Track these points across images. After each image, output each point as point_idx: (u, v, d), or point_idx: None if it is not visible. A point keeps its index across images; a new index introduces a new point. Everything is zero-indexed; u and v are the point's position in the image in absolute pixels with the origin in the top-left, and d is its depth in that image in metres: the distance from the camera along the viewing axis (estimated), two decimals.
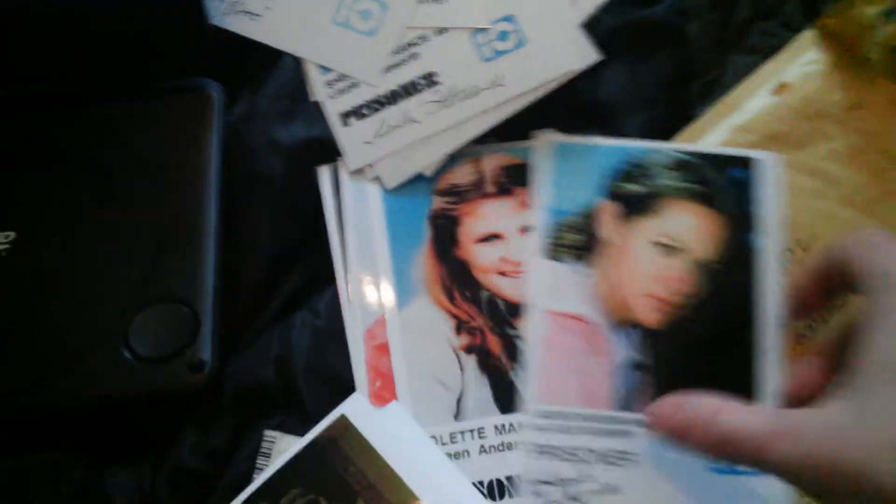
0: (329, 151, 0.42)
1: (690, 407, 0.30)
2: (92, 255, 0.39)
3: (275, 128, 0.43)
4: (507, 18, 0.42)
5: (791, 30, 0.45)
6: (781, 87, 0.42)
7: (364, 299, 0.39)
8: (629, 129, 0.43)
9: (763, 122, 0.41)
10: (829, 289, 0.34)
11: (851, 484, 0.26)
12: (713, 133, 0.42)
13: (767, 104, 0.42)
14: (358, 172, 0.42)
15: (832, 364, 0.33)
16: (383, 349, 0.37)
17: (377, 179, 0.42)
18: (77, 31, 0.41)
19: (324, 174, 0.42)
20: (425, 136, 0.42)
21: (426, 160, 0.41)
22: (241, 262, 0.40)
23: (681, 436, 0.30)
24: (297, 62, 0.44)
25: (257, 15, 0.44)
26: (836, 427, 0.26)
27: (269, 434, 0.36)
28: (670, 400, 0.31)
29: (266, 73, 0.44)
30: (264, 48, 0.44)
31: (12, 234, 0.39)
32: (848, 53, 0.42)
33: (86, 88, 0.43)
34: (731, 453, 0.28)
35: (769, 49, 0.45)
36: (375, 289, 0.39)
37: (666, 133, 0.43)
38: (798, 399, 0.34)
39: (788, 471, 0.27)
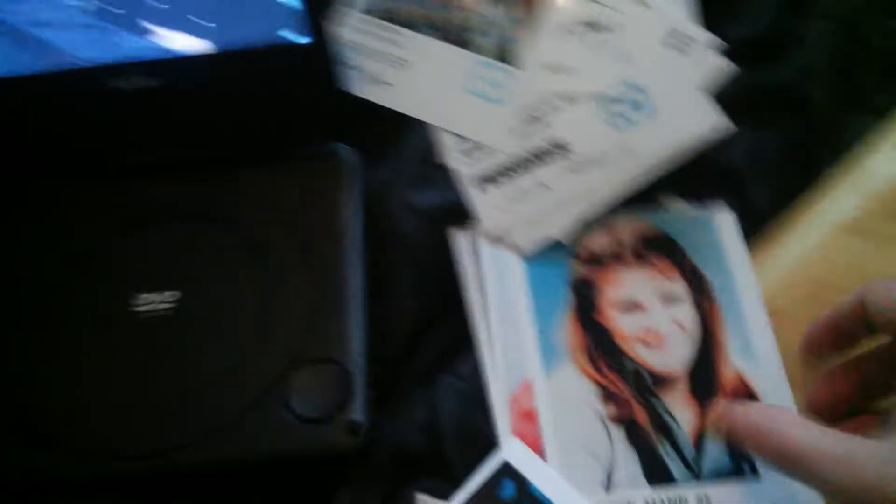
0: (463, 215, 0.44)
1: (766, 416, 0.31)
2: (250, 313, 0.41)
3: (411, 192, 0.45)
4: (636, 87, 0.44)
5: None
6: None
7: (508, 364, 0.40)
8: (756, 195, 0.44)
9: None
10: (845, 335, 0.35)
11: None
12: (843, 197, 0.42)
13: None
14: (493, 238, 0.43)
15: (862, 379, 0.34)
16: (529, 416, 0.39)
17: (513, 245, 0.43)
18: (225, 104, 0.44)
19: (458, 237, 0.44)
20: (558, 202, 0.43)
21: (560, 225, 0.43)
22: (386, 324, 0.42)
23: (752, 441, 0.31)
24: (429, 128, 0.45)
25: (390, 84, 0.46)
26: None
27: (422, 499, 0.38)
28: (748, 405, 0.33)
29: (400, 139, 0.46)
30: (397, 115, 0.46)
31: (178, 294, 0.41)
32: None
33: (234, 154, 0.45)
34: (797, 468, 0.29)
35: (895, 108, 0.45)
36: (519, 354, 0.40)
37: (793, 198, 0.44)
38: (826, 411, 0.35)
39: (848, 499, 0.28)
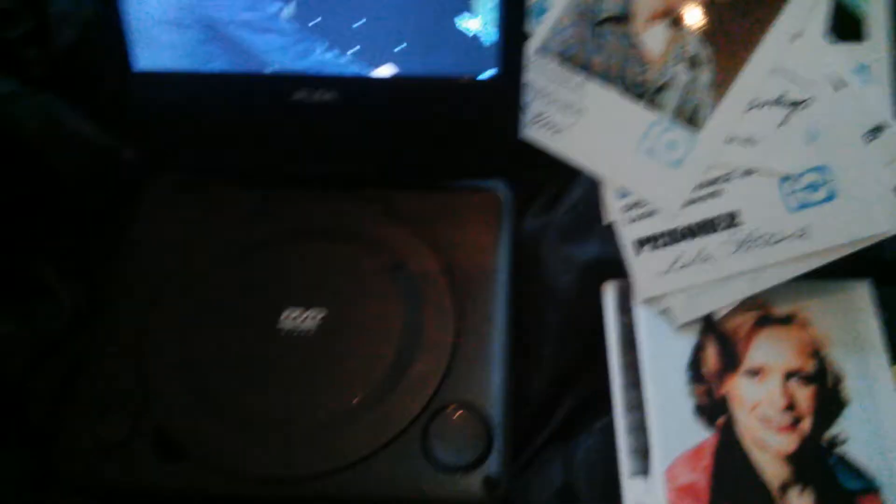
0: (619, 273, 0.43)
1: None
2: (392, 345, 0.40)
3: (568, 243, 0.44)
4: (819, 169, 0.42)
5: None
6: None
7: (665, 433, 0.39)
8: None
9: None
10: None
11: None
12: None
13: None
14: (647, 301, 0.42)
15: None
16: (689, 490, 0.37)
17: (666, 311, 0.42)
18: (406, 126, 0.44)
19: (609, 291, 0.42)
20: (721, 277, 0.41)
21: (720, 302, 0.41)
22: (526, 374, 0.41)
23: None
24: (593, 182, 0.44)
25: (560, 130, 0.46)
26: None
27: None
28: None
29: (562, 187, 0.45)
30: (563, 164, 0.45)
31: (323, 311, 0.41)
32: None
33: (393, 176, 0.45)
34: None
35: None
36: (677, 423, 0.39)
37: None
38: None
39: None
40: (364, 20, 0.40)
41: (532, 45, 0.47)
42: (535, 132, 0.46)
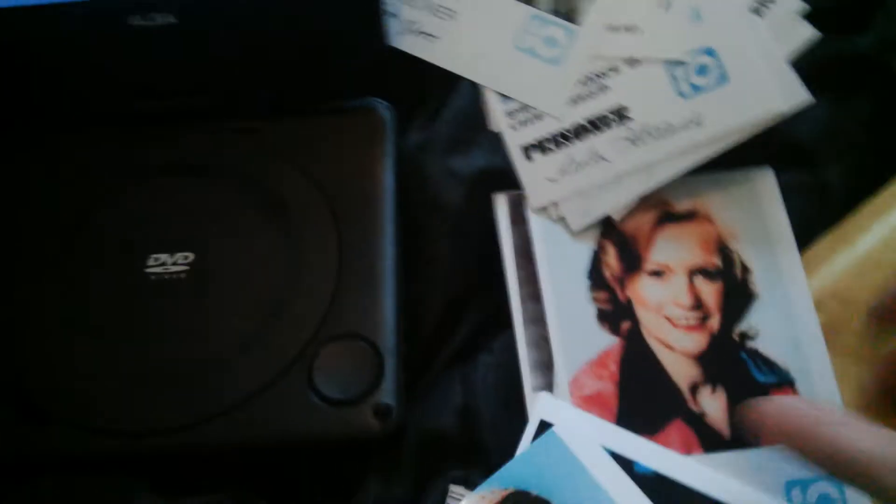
0: (509, 182, 0.40)
1: (810, 415, 0.28)
2: (271, 281, 0.37)
3: (452, 156, 0.41)
4: (708, 51, 0.39)
5: None
6: None
7: (567, 343, 0.37)
8: (831, 173, 0.40)
9: None
10: None
11: None
12: None
13: None
14: (540, 210, 0.40)
15: None
16: (596, 400, 0.36)
17: (561, 219, 0.39)
18: (252, 43, 0.40)
19: (500, 203, 0.40)
20: (615, 174, 0.39)
21: (615, 202, 0.39)
22: (418, 299, 0.39)
23: (789, 440, 0.28)
24: (474, 88, 0.42)
25: (434, 37, 0.42)
26: None
27: (455, 491, 0.35)
28: (779, 400, 0.30)
29: (442, 97, 0.42)
30: (440, 71, 0.42)
31: (191, 255, 0.38)
32: None
33: (255, 104, 0.41)
34: (849, 473, 0.27)
35: None
36: (582, 332, 0.37)
37: (873, 178, 0.40)
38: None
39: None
40: None
41: None
42: (408, 41, 0.42)
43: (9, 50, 0.39)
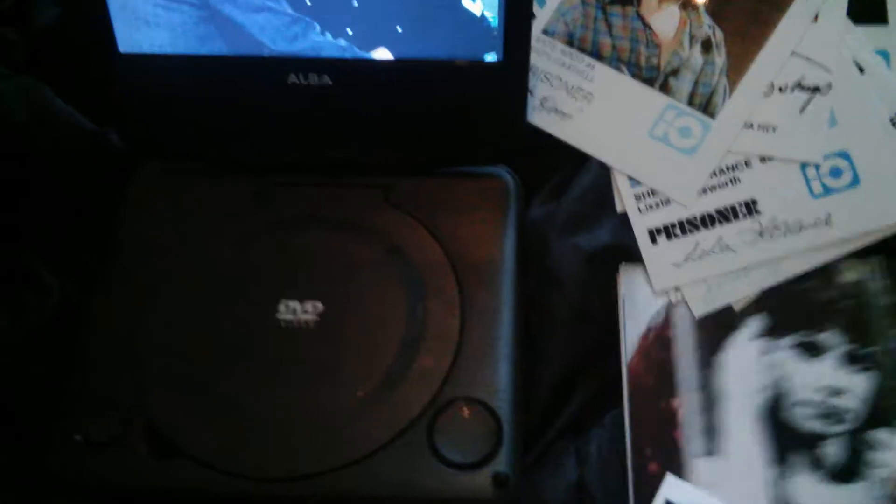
0: (630, 261, 0.41)
1: None
2: (395, 338, 0.38)
3: (576, 232, 0.42)
4: (842, 154, 0.40)
5: None
6: None
7: None
8: None
9: None
10: None
11: None
12: None
13: None
14: (663, 293, 0.40)
15: None
16: None
17: (683, 304, 0.40)
18: (404, 111, 0.41)
19: (628, 276, 0.40)
20: (740, 266, 0.40)
21: (739, 293, 0.39)
22: (534, 369, 0.39)
23: None
24: (603, 168, 0.43)
25: (568, 115, 0.44)
26: None
27: None
28: None
29: (569, 174, 0.43)
30: (571, 150, 0.43)
31: (320, 305, 0.39)
32: None
33: (396, 164, 0.43)
34: None
35: None
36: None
37: None
38: None
39: None
40: (358, 3, 0.38)
41: (537, 27, 0.45)
42: (541, 117, 0.44)
43: (167, 91, 0.41)
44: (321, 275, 0.40)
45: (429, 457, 0.35)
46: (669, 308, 0.39)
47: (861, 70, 0.41)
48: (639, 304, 0.40)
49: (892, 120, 0.40)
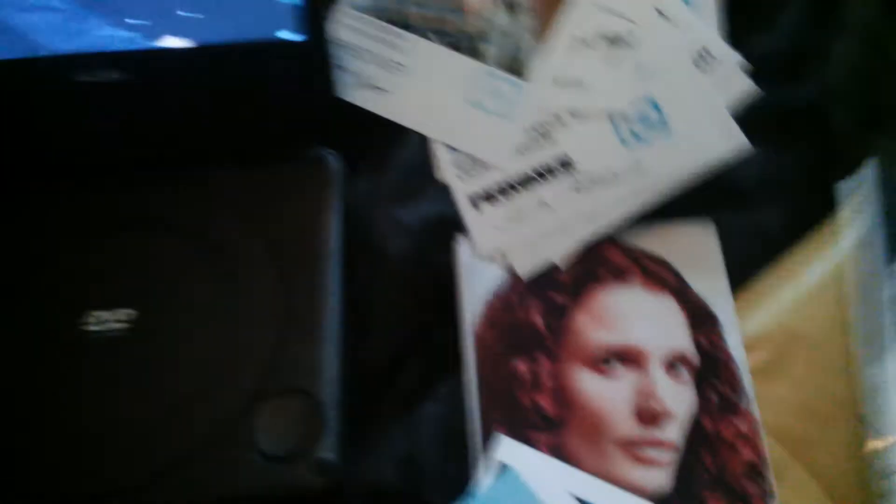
0: (455, 231, 0.40)
1: None
2: (213, 337, 0.36)
3: (399, 205, 0.41)
4: (649, 101, 0.40)
5: None
6: None
7: None
8: (770, 217, 0.40)
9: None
10: None
11: None
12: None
13: None
14: (488, 259, 0.40)
15: None
16: None
17: (509, 267, 0.39)
18: (207, 99, 0.40)
19: (461, 248, 0.40)
20: (560, 223, 0.39)
21: (561, 249, 0.39)
22: (364, 350, 0.38)
23: None
24: (422, 139, 0.42)
25: (385, 90, 0.43)
26: None
27: None
28: None
29: (390, 148, 0.43)
30: (389, 123, 0.42)
31: (133, 313, 0.37)
32: None
33: (201, 154, 0.41)
34: None
35: None
36: None
37: (810, 220, 0.40)
38: None
39: None
40: None
41: (345, 2, 0.44)
42: (358, 94, 0.43)
43: None
44: (131, 280, 0.38)
45: (249, 453, 0.34)
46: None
47: (664, 16, 0.41)
48: (478, 271, 0.39)
49: (695, 62, 0.40)
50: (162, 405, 0.35)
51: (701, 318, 0.38)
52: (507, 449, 0.35)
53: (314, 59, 0.39)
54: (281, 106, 0.40)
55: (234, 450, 0.34)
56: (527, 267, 0.39)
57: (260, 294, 0.37)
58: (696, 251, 0.39)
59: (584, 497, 0.34)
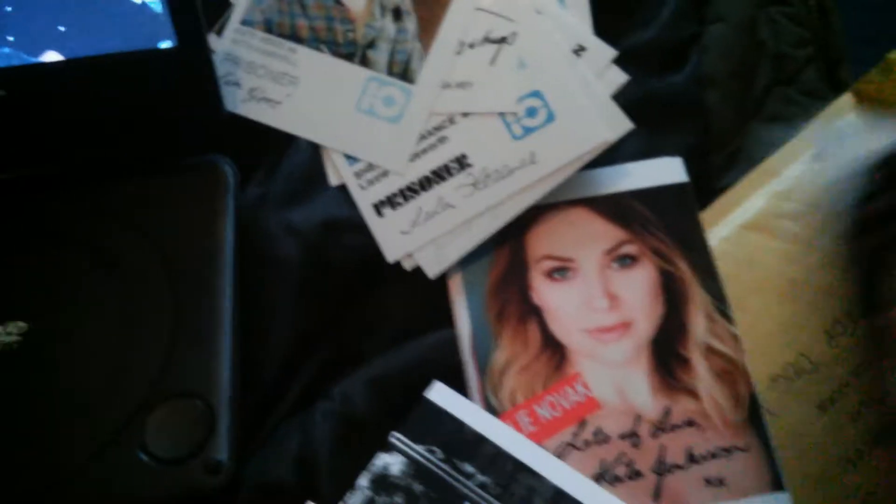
0: (346, 232, 0.41)
1: None
2: (104, 346, 0.37)
3: (290, 209, 0.41)
4: (534, 94, 0.42)
5: (812, 97, 0.45)
6: None
7: None
8: None
9: (804, 189, 0.41)
10: None
11: None
12: (752, 200, 0.41)
13: (807, 170, 0.41)
14: (398, 262, 0.40)
15: None
16: None
17: (418, 269, 0.40)
18: (90, 111, 0.40)
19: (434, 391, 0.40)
20: (463, 220, 0.40)
21: (466, 246, 0.40)
22: (257, 352, 0.38)
23: None
24: (311, 144, 0.42)
25: (277, 102, 0.43)
26: None
27: None
28: None
29: (280, 155, 0.43)
30: (281, 133, 0.42)
31: (25, 326, 0.36)
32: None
33: (94, 167, 0.41)
34: None
35: (790, 116, 0.45)
36: None
37: None
38: None
39: None
40: (11, 8, 0.35)
41: (235, 18, 0.44)
42: (251, 108, 0.43)
43: None
44: (25, 293, 0.38)
45: (141, 458, 0.34)
46: None
47: (540, 13, 0.43)
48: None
49: (574, 51, 0.42)
50: (53, 416, 0.35)
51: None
52: (439, 393, 0.35)
53: (192, 65, 0.39)
54: (167, 116, 0.40)
55: (126, 455, 0.34)
56: (434, 267, 0.40)
57: (152, 302, 0.38)
58: None
59: (503, 447, 0.34)
